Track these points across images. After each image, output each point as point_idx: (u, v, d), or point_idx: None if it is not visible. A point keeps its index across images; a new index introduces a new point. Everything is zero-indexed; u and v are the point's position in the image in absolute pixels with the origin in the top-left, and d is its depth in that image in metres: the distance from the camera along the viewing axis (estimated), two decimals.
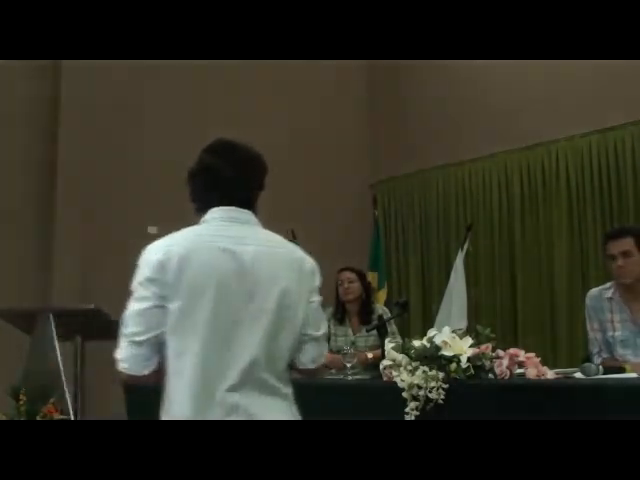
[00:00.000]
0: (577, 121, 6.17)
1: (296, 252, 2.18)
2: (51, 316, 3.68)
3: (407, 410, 2.61)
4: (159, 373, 2.05)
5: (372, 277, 6.52)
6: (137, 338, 2.02)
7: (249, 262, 2.06)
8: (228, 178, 2.16)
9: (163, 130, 6.34)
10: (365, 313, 4.62)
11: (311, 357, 2.20)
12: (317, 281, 2.20)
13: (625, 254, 3.45)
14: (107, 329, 3.86)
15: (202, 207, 2.19)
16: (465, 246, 6.32)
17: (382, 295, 6.79)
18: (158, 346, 2.03)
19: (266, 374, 2.04)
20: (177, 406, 1.99)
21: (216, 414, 1.97)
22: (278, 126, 6.63)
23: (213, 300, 2.01)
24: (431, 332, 2.79)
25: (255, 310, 2.04)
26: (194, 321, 2.00)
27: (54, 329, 3.65)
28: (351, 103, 7.61)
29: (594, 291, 3.67)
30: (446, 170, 7.11)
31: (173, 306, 2.01)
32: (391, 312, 4.74)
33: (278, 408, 2.05)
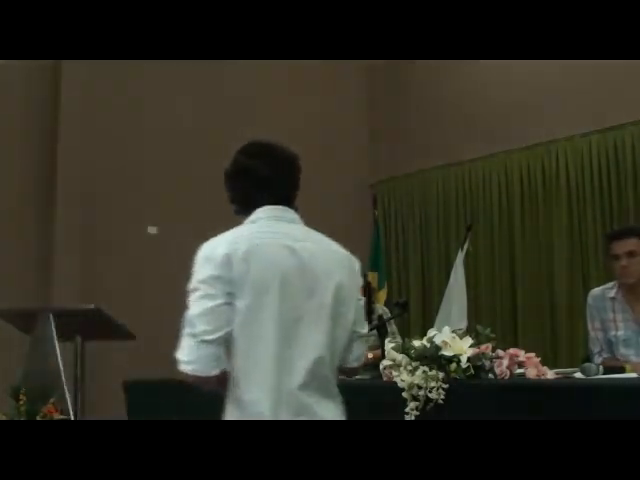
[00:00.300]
0: (577, 121, 6.17)
1: (343, 250, 2.21)
2: (51, 316, 3.67)
3: (407, 410, 2.61)
4: (225, 374, 2.02)
5: (372, 277, 6.52)
6: (207, 337, 1.97)
7: (307, 258, 2.08)
8: (271, 178, 2.17)
9: (163, 130, 6.34)
10: (365, 313, 4.61)
11: (357, 355, 2.24)
12: (361, 280, 2.26)
13: (630, 254, 3.47)
14: (107, 329, 3.88)
15: (244, 208, 2.19)
16: (465, 246, 6.30)
17: (382, 295, 6.79)
18: (225, 346, 2.00)
19: (328, 372, 2.07)
20: (255, 407, 1.97)
21: (287, 414, 1.97)
22: (278, 126, 6.63)
23: (278, 297, 2.01)
24: (431, 332, 2.78)
25: (315, 306, 2.06)
26: (261, 319, 1.99)
27: (54, 329, 3.64)
28: (351, 103, 7.61)
29: (596, 291, 3.68)
30: (446, 170, 7.11)
31: (240, 303, 1.99)
32: (391, 312, 4.74)
33: (332, 408, 2.08)
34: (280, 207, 2.17)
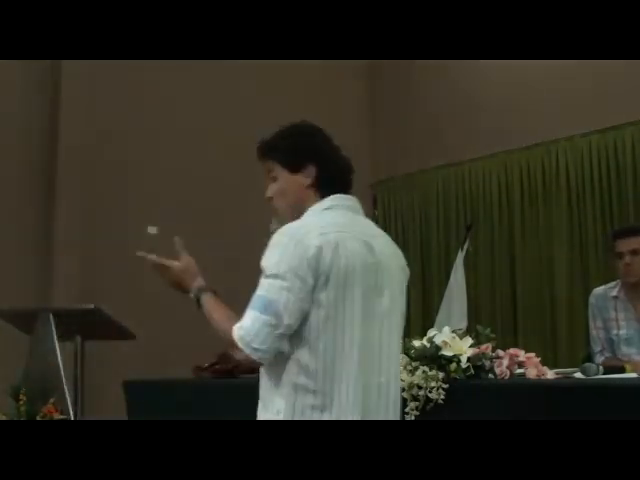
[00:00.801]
0: (577, 121, 6.17)
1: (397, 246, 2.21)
2: (51, 316, 3.67)
3: (407, 410, 2.61)
4: None
5: None
6: (288, 332, 1.92)
7: (380, 256, 2.06)
8: (337, 163, 2.18)
9: (163, 130, 6.34)
10: None
11: None
12: None
13: (634, 252, 3.50)
14: (107, 329, 3.87)
15: (316, 195, 2.13)
16: (465, 246, 6.30)
17: None
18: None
19: (398, 369, 2.10)
20: (344, 410, 1.96)
21: (375, 414, 2.01)
22: (278, 126, 6.63)
23: (361, 293, 1.97)
24: (431, 332, 2.79)
25: (387, 304, 2.04)
26: (345, 313, 1.95)
27: (54, 329, 3.64)
28: (351, 103, 7.60)
29: (599, 290, 3.70)
30: (446, 170, 7.10)
31: (322, 296, 1.93)
32: None
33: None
34: (351, 197, 2.15)
